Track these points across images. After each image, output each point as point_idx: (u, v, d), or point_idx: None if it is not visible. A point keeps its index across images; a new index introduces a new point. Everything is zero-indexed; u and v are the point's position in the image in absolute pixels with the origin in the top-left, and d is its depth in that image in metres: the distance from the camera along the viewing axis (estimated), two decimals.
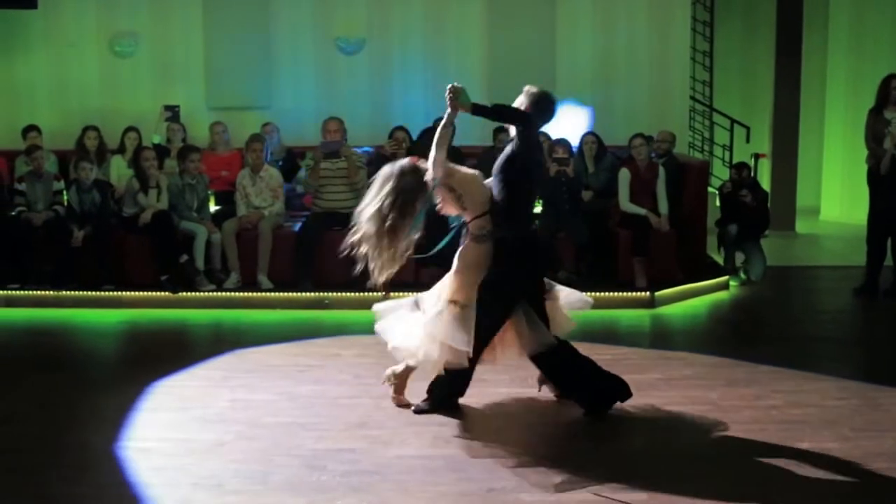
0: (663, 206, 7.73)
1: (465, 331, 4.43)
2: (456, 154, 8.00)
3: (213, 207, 7.95)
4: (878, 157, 7.35)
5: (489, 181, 4.63)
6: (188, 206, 7.61)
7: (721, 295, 7.64)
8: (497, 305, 4.52)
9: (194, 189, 7.64)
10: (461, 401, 4.74)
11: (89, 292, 7.33)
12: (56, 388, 5.27)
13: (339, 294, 7.24)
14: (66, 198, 7.69)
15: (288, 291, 7.28)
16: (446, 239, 4.75)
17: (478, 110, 4.45)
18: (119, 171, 8.32)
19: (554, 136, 7.65)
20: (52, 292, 7.34)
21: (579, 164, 7.96)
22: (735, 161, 9.73)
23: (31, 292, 7.35)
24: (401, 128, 8.09)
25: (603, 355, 5.17)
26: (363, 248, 4.56)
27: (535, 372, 4.97)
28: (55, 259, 7.46)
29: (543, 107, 4.58)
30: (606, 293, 6.99)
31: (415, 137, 8.15)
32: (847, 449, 4.18)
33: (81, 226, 7.48)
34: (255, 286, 7.41)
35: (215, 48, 9.35)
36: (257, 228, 7.52)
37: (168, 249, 7.39)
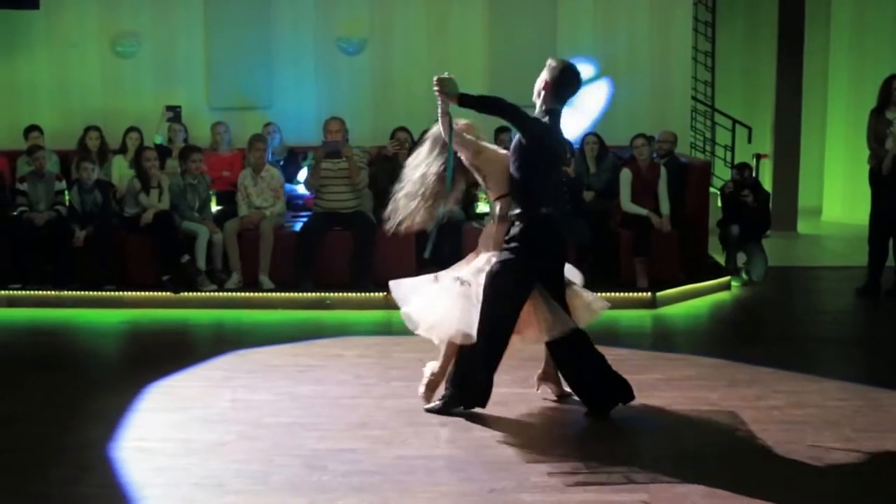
0: (665, 206, 7.72)
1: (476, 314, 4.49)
2: None
3: (214, 207, 7.95)
4: (879, 157, 7.34)
5: None
6: (190, 207, 7.61)
7: (722, 295, 7.64)
8: (505, 295, 4.48)
9: (196, 189, 7.64)
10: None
11: (91, 292, 7.34)
12: (57, 388, 5.27)
13: (340, 294, 7.24)
14: (67, 198, 7.70)
15: (289, 292, 7.28)
16: (431, 238, 4.78)
17: (465, 101, 4.43)
18: (121, 171, 8.33)
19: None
20: (53, 292, 7.34)
21: (581, 165, 7.96)
22: (737, 161, 9.73)
23: (32, 292, 7.36)
24: (403, 128, 8.09)
25: (604, 356, 5.16)
26: (402, 202, 4.65)
27: (535, 371, 4.97)
28: (57, 259, 7.47)
29: (566, 80, 4.50)
30: (608, 293, 6.97)
31: (416, 138, 8.16)
32: (849, 450, 4.18)
33: (83, 226, 7.49)
34: (256, 286, 7.41)
35: (217, 48, 9.35)
36: (258, 228, 7.53)
37: (169, 249, 7.39)
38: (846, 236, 10.08)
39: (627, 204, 7.73)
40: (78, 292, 7.33)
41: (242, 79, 9.33)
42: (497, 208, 4.65)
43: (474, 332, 4.48)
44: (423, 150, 4.72)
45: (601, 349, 4.73)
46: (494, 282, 4.49)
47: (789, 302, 7.68)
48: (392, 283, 4.87)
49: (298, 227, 7.78)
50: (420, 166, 4.68)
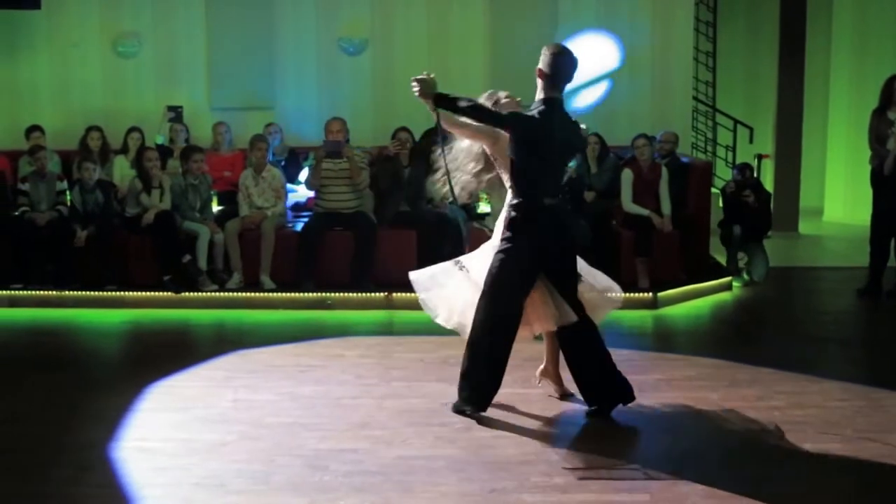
0: (666, 206, 7.73)
1: None
2: None
3: (215, 208, 7.96)
4: (881, 157, 7.33)
5: None
6: (191, 207, 7.61)
7: (724, 296, 7.63)
8: (504, 289, 4.48)
9: (197, 189, 7.65)
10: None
11: (92, 292, 7.34)
12: (58, 388, 5.28)
13: (341, 294, 7.25)
14: (69, 198, 7.71)
15: (290, 292, 7.29)
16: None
17: (440, 103, 4.43)
18: (122, 171, 8.33)
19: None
20: (54, 292, 7.34)
21: (582, 165, 7.95)
22: (738, 162, 9.72)
23: (34, 292, 7.36)
24: (404, 128, 8.09)
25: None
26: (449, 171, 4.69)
27: (535, 371, 4.97)
28: (58, 259, 7.47)
29: (559, 67, 4.46)
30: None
31: (417, 138, 8.16)
32: (849, 450, 4.17)
33: (84, 226, 7.50)
34: (257, 286, 7.41)
35: (218, 49, 9.36)
36: (260, 229, 7.53)
37: (171, 249, 7.40)
38: (847, 237, 10.07)
39: (629, 204, 7.73)
40: (79, 292, 7.34)
41: (244, 79, 9.34)
42: (509, 197, 4.62)
43: (468, 323, 4.51)
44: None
45: None
46: (493, 277, 4.50)
47: (790, 302, 7.68)
48: (412, 274, 4.85)
49: (300, 227, 7.79)
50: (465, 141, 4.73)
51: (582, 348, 4.61)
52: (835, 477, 3.93)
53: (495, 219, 4.81)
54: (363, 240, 7.43)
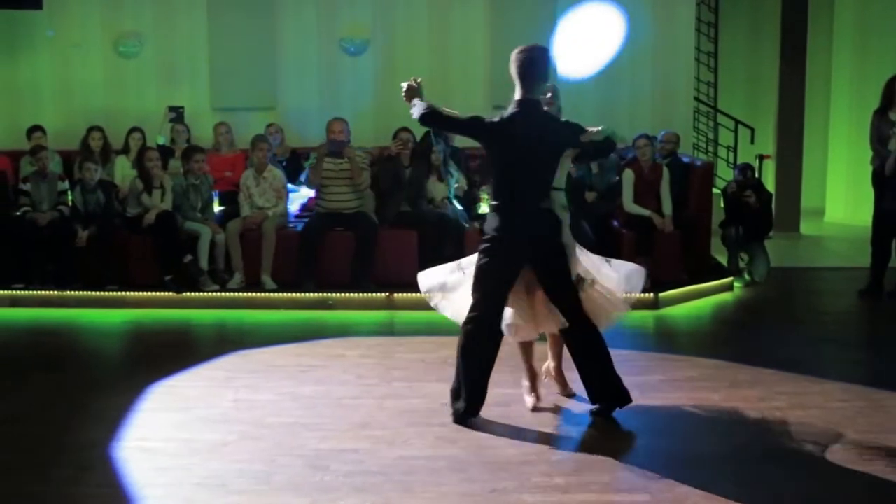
0: (667, 207, 7.73)
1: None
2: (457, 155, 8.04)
3: (217, 208, 7.96)
4: (882, 158, 7.33)
5: None
6: (192, 207, 7.62)
7: (725, 296, 7.63)
8: (483, 292, 4.48)
9: (198, 189, 7.65)
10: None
11: (93, 292, 7.35)
12: (59, 388, 5.28)
13: (342, 294, 7.25)
14: (70, 198, 7.71)
15: (291, 292, 7.29)
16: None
17: (413, 110, 4.57)
18: (123, 171, 8.34)
19: None
20: (56, 292, 7.35)
21: (583, 165, 7.95)
22: (739, 162, 9.71)
23: (35, 292, 7.37)
24: (405, 128, 8.10)
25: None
26: None
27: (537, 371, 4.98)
28: (59, 259, 7.48)
29: (528, 68, 4.39)
30: None
31: (418, 138, 8.16)
32: (851, 451, 4.17)
33: (86, 226, 7.50)
34: (258, 286, 7.42)
35: (219, 49, 9.36)
36: (261, 229, 7.53)
37: (172, 250, 7.40)
38: (849, 237, 10.06)
39: (630, 205, 7.73)
40: (80, 292, 7.34)
41: (245, 79, 9.33)
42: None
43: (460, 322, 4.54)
44: None
45: None
46: (473, 280, 4.53)
47: (791, 303, 7.67)
48: (420, 275, 4.85)
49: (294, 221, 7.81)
50: None
51: (584, 347, 4.60)
52: (836, 478, 3.92)
53: None
54: (364, 240, 7.43)
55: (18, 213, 7.61)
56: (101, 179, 7.78)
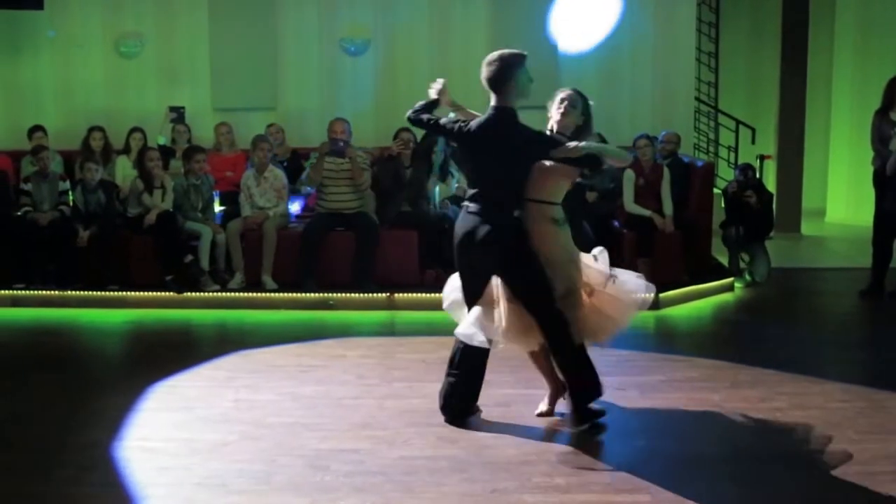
0: (668, 207, 7.73)
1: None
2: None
3: (218, 208, 7.96)
4: (884, 158, 7.33)
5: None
6: (193, 207, 7.62)
7: (726, 297, 7.63)
8: (463, 296, 4.52)
9: (199, 190, 7.66)
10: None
11: (94, 292, 7.35)
12: (60, 388, 5.28)
13: (343, 295, 7.25)
14: (71, 198, 7.72)
15: (292, 292, 7.29)
16: None
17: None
18: (124, 171, 8.35)
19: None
20: (57, 292, 7.35)
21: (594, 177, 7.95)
22: (740, 162, 9.71)
23: (36, 292, 7.37)
24: (406, 129, 8.09)
25: (607, 357, 5.17)
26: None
27: (536, 372, 4.97)
28: (60, 259, 7.48)
29: (491, 76, 4.38)
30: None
31: (419, 138, 8.16)
32: (851, 452, 4.17)
33: (86, 226, 7.51)
34: (259, 287, 7.42)
35: (220, 49, 9.36)
36: (262, 229, 7.53)
37: (172, 250, 7.40)
38: (850, 238, 10.06)
39: (630, 205, 7.73)
40: (81, 292, 7.34)
41: (246, 79, 9.34)
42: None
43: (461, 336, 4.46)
44: None
45: (604, 350, 4.73)
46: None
47: (792, 303, 7.67)
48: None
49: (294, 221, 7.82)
50: None
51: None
52: (836, 478, 3.92)
53: None
54: (365, 240, 7.43)
55: (19, 213, 7.61)
56: (102, 179, 7.78)
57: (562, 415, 4.63)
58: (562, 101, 4.51)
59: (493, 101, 4.43)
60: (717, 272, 8.00)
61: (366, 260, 7.40)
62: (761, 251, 8.13)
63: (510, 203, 4.37)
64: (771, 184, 10.20)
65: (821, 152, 11.73)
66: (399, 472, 3.97)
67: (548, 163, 4.36)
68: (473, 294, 4.46)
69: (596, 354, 4.68)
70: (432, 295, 6.79)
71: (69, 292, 7.34)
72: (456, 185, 7.79)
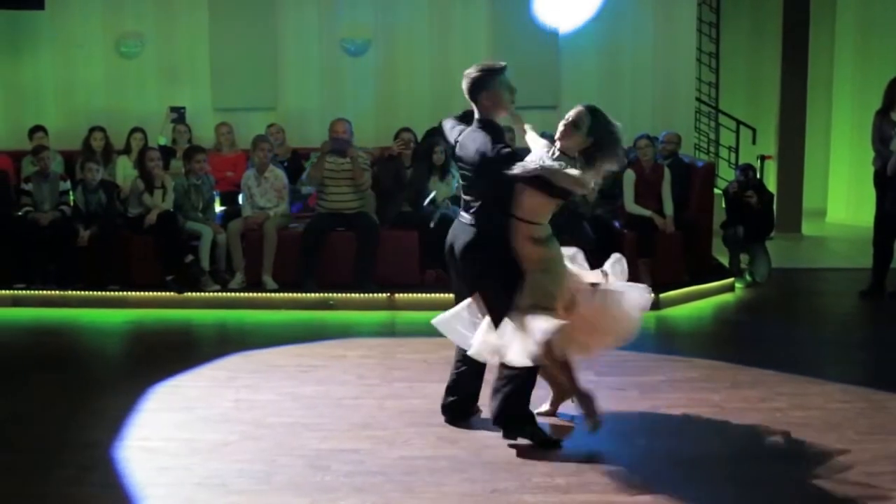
0: (668, 207, 7.73)
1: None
2: None
3: (218, 208, 7.97)
4: (884, 158, 7.32)
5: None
6: (193, 207, 7.62)
7: (726, 297, 7.63)
8: None
9: (200, 190, 7.66)
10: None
11: (95, 292, 7.35)
12: (60, 388, 5.29)
13: (343, 295, 7.25)
14: (72, 198, 7.72)
15: (292, 292, 7.29)
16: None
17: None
18: (125, 171, 8.36)
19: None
20: (57, 292, 7.36)
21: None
22: (741, 163, 9.72)
23: (36, 292, 7.37)
24: (406, 129, 8.10)
25: (607, 357, 5.16)
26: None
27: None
28: (61, 259, 7.49)
29: (475, 86, 4.33)
30: None
31: (420, 138, 8.17)
32: (851, 452, 4.17)
33: (87, 226, 7.51)
34: (259, 287, 7.42)
35: (221, 49, 9.37)
36: (262, 229, 7.54)
37: (173, 250, 7.41)
38: (850, 238, 10.06)
39: (631, 205, 7.73)
40: (82, 292, 7.35)
41: (246, 80, 9.35)
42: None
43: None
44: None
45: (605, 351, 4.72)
46: None
47: (793, 304, 7.67)
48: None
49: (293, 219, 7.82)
50: None
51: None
52: (836, 478, 3.92)
53: None
54: (365, 240, 7.43)
55: (20, 213, 7.62)
56: (103, 180, 7.78)
57: (567, 416, 4.63)
58: (564, 121, 4.30)
59: (475, 112, 4.39)
60: (718, 272, 8.00)
61: (366, 260, 7.40)
62: (762, 251, 8.13)
63: (486, 215, 4.28)
64: (771, 184, 10.20)
65: (821, 152, 11.73)
66: (399, 472, 3.97)
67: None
68: (458, 297, 4.47)
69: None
70: (432, 295, 6.84)
71: (70, 292, 7.35)
72: (456, 185, 7.79)
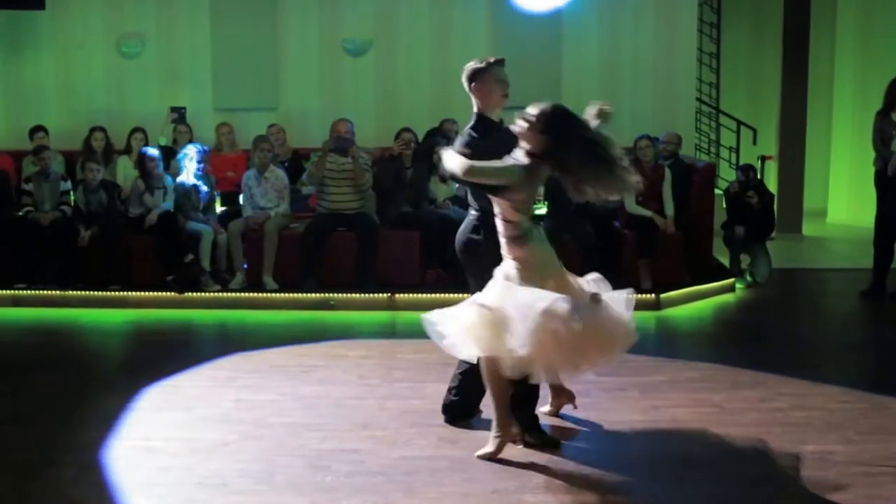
0: (669, 207, 7.73)
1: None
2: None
3: (219, 208, 7.97)
4: (885, 159, 7.33)
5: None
6: (194, 207, 7.62)
7: (727, 297, 7.63)
8: None
9: (200, 190, 7.66)
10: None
11: (95, 292, 7.36)
12: (61, 388, 5.29)
13: (343, 295, 7.25)
14: (72, 198, 7.73)
15: (293, 292, 7.29)
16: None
17: None
18: (125, 171, 8.36)
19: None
20: (58, 292, 7.36)
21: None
22: (741, 163, 9.72)
23: (37, 292, 7.38)
24: (407, 129, 8.10)
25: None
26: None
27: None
28: (61, 259, 7.49)
29: (468, 83, 4.31)
30: None
31: (420, 138, 8.17)
32: (852, 453, 4.17)
33: (88, 226, 7.52)
34: (260, 287, 7.42)
35: (222, 49, 9.37)
36: (263, 229, 7.54)
37: (173, 250, 7.41)
38: (851, 238, 10.06)
39: (631, 206, 7.73)
40: (82, 292, 7.35)
41: (247, 80, 9.35)
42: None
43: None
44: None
45: None
46: None
47: (793, 304, 7.67)
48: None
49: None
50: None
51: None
52: (837, 479, 3.92)
53: None
54: (365, 240, 7.43)
55: (21, 213, 7.63)
56: (104, 180, 7.79)
57: (568, 417, 4.63)
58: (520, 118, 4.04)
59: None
60: (718, 273, 8.00)
61: (367, 260, 7.40)
62: (762, 252, 8.13)
63: (475, 212, 4.38)
64: (772, 184, 10.20)
65: (822, 153, 11.73)
66: (400, 473, 3.97)
67: None
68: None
69: None
70: (433, 295, 6.83)
71: (70, 292, 7.35)
72: (456, 185, 7.78)
